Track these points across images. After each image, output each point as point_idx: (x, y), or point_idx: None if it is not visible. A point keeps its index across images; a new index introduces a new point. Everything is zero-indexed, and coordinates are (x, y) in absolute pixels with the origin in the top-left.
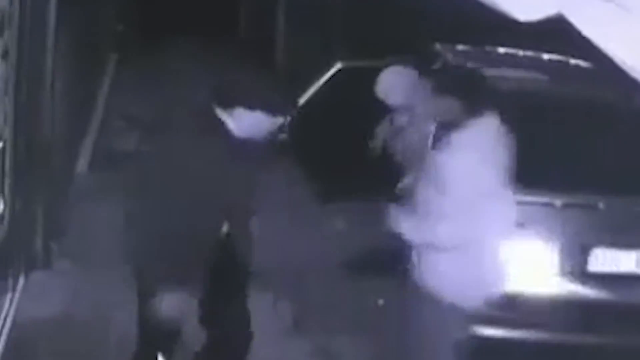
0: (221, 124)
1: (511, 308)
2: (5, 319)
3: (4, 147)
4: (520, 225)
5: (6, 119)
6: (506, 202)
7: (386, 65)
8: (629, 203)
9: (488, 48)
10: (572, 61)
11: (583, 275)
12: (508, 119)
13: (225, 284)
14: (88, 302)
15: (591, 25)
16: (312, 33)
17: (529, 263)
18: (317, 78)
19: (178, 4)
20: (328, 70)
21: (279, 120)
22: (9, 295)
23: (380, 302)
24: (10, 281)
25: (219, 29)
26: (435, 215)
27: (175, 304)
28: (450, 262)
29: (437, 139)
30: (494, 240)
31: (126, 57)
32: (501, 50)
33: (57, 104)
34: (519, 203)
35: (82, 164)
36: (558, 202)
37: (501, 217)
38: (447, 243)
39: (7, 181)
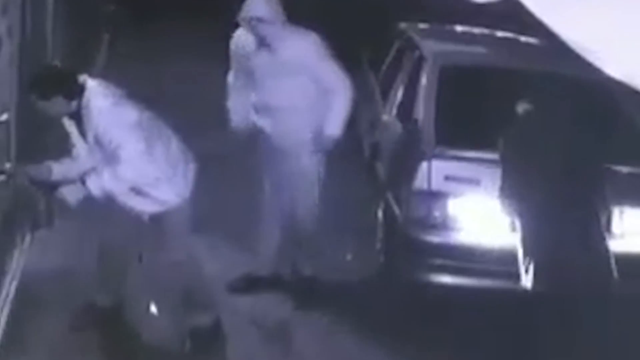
0: None
1: (467, 258)
2: (14, 272)
3: (9, 117)
4: (477, 182)
5: (11, 93)
6: None
7: None
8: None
9: (447, 26)
10: (523, 38)
11: None
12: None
13: None
14: (86, 257)
15: (542, 7)
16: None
17: (484, 217)
18: None
19: None
20: None
21: None
22: (16, 251)
23: (349, 257)
24: (17, 238)
25: (212, 9)
26: None
27: None
28: None
29: None
30: None
31: (118, 36)
32: (459, 28)
33: None
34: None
35: None
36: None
37: None
38: None
39: (13, 147)
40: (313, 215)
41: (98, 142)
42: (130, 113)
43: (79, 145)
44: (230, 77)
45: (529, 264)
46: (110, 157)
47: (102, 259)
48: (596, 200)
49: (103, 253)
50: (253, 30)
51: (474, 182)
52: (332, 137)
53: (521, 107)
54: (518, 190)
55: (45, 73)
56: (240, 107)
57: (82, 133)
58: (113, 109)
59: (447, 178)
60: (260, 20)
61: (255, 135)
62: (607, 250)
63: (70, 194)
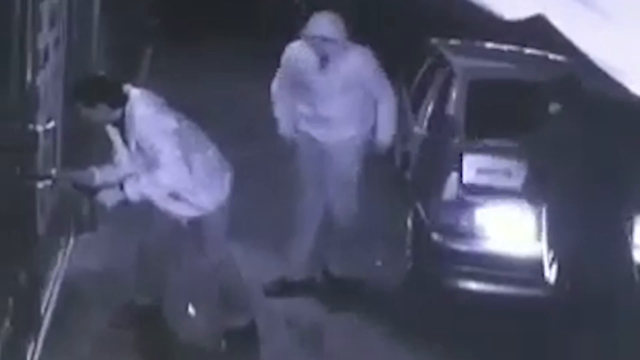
0: None
1: (493, 265)
2: (58, 272)
3: (55, 126)
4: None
5: (57, 102)
6: None
7: None
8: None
9: (477, 43)
10: (551, 56)
11: None
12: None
13: None
14: (126, 259)
15: (571, 28)
16: None
17: (510, 225)
18: None
19: (205, 1)
20: None
21: None
22: (61, 253)
23: (379, 262)
24: (62, 241)
25: (249, 26)
26: None
27: None
28: None
29: None
30: None
31: (161, 50)
32: (488, 45)
33: None
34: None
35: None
36: None
37: None
38: None
39: (58, 155)
40: (353, 219)
41: (139, 148)
42: (170, 121)
43: (121, 152)
44: (275, 87)
45: (554, 268)
46: (150, 163)
47: (141, 261)
48: (623, 207)
49: (142, 255)
50: (316, 47)
51: (505, 173)
52: (385, 143)
53: (553, 109)
54: (545, 194)
55: (91, 81)
56: (286, 116)
57: (125, 140)
58: (154, 117)
59: (479, 171)
60: (325, 39)
61: (299, 143)
62: (631, 258)
63: (108, 198)
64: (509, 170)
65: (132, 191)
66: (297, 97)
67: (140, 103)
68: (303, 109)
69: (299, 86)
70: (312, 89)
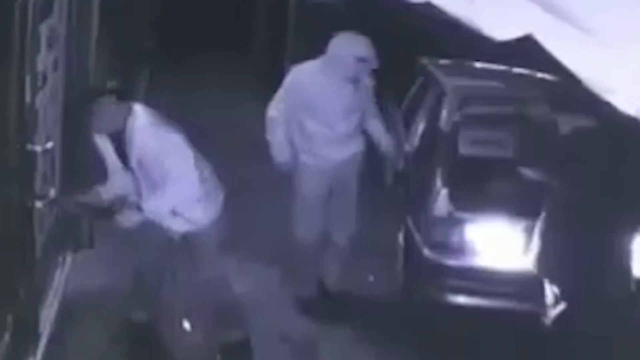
0: None
1: (482, 280)
2: (57, 290)
3: (54, 146)
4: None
5: (55, 122)
6: None
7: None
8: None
9: (467, 62)
10: (540, 75)
11: None
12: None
13: None
14: (124, 275)
15: (559, 47)
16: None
17: (498, 241)
18: None
19: (201, 23)
20: None
21: None
22: (59, 270)
23: (371, 278)
24: (60, 258)
25: (246, 47)
26: None
27: None
28: None
29: None
30: None
31: (158, 70)
32: (478, 64)
33: None
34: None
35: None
36: None
37: None
38: None
39: (57, 175)
40: (352, 236)
41: (141, 163)
42: (175, 134)
43: (114, 167)
44: (273, 112)
45: (548, 284)
46: (155, 177)
47: (137, 277)
48: (622, 221)
49: (138, 272)
50: (347, 68)
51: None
52: (391, 152)
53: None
54: (538, 207)
55: (100, 87)
56: (284, 141)
57: (121, 155)
58: (160, 129)
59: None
60: (364, 60)
61: (303, 165)
62: (629, 271)
63: (126, 220)
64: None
65: (149, 210)
66: (307, 118)
67: (144, 116)
68: (315, 128)
69: (309, 108)
70: (328, 109)
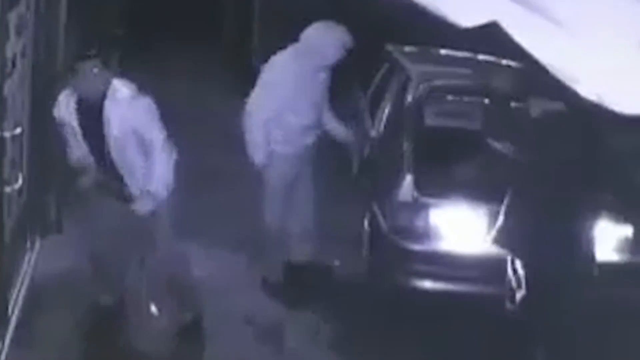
0: None
1: (447, 265)
2: (24, 275)
3: (22, 132)
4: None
5: (24, 108)
6: None
7: None
8: None
9: (432, 49)
10: (504, 61)
11: None
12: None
13: None
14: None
15: (524, 35)
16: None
17: (462, 226)
18: None
19: (170, 10)
20: None
21: None
22: (27, 256)
23: (337, 262)
24: (28, 244)
25: (203, 31)
26: None
27: None
28: None
29: None
30: None
31: (127, 57)
32: (443, 51)
33: None
34: None
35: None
36: None
37: None
38: None
39: (25, 161)
40: (315, 216)
41: (121, 137)
42: (152, 104)
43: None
44: (253, 110)
45: (511, 267)
46: (134, 153)
47: (99, 262)
48: (584, 204)
49: (100, 256)
50: (329, 57)
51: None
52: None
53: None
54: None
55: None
56: (263, 138)
57: (90, 125)
58: (139, 102)
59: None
60: (343, 48)
61: (279, 155)
62: (591, 254)
63: (143, 207)
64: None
65: (162, 188)
66: (285, 110)
67: (122, 89)
68: (292, 118)
69: (287, 99)
70: (303, 98)
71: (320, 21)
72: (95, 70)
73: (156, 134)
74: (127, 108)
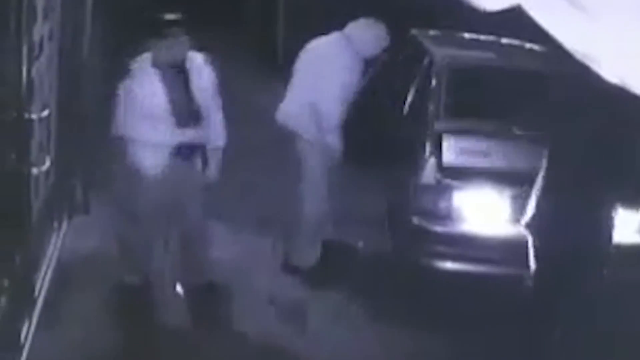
0: None
1: (469, 246)
2: (52, 256)
3: (49, 114)
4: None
5: (51, 90)
6: None
7: None
8: None
9: (456, 33)
10: (528, 45)
11: None
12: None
13: None
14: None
15: (547, 18)
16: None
17: (487, 208)
18: None
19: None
20: None
21: None
22: (54, 237)
23: (360, 244)
24: (55, 225)
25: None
26: None
27: None
28: None
29: None
30: None
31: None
32: (467, 35)
33: (93, 78)
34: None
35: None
36: None
37: None
38: None
39: (52, 143)
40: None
41: (204, 89)
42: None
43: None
44: (292, 107)
45: (532, 249)
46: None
47: (127, 242)
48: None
49: (127, 236)
50: (369, 48)
51: (483, 154)
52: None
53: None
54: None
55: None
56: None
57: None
58: (209, 67)
59: (458, 152)
60: (381, 46)
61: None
62: (610, 237)
63: (216, 169)
64: (487, 152)
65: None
66: (330, 97)
67: (196, 54)
68: (335, 108)
69: (341, 86)
70: (349, 87)
71: (362, 17)
72: (182, 38)
73: (217, 97)
74: (203, 70)
